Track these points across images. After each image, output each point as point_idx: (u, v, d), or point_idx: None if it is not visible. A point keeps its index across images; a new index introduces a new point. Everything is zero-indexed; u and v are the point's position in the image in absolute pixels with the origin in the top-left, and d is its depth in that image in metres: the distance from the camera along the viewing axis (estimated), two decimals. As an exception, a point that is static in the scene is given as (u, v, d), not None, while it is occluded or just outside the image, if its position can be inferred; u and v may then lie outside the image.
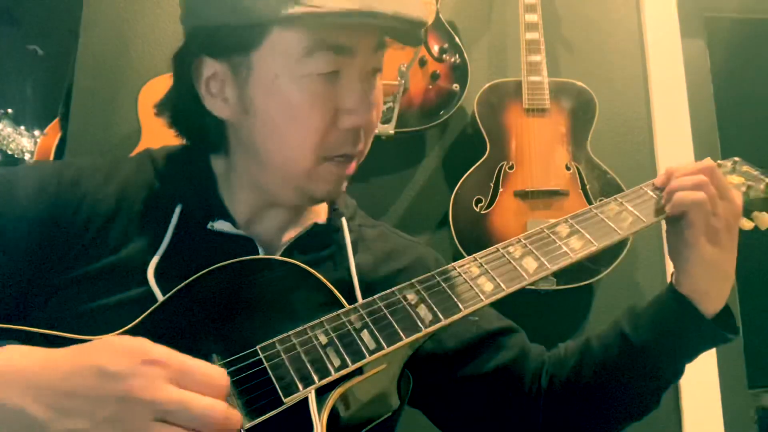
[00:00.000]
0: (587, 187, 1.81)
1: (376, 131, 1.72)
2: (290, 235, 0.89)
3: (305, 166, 0.80)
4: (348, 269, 0.89)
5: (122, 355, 0.56)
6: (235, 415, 0.59)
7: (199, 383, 0.57)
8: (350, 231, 0.94)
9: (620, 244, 1.78)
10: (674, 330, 0.86)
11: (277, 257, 0.82)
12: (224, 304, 0.73)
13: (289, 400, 0.65)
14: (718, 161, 0.99)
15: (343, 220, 0.94)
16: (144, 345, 0.58)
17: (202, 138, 0.88)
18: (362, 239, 0.96)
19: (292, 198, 0.85)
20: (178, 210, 0.84)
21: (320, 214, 0.95)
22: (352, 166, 0.85)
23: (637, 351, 0.87)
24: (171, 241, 0.81)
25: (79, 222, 0.79)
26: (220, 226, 0.84)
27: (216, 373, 0.59)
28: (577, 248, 0.82)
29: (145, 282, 0.77)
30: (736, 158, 1.01)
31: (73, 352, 0.58)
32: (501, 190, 1.80)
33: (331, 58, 0.77)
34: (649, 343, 0.87)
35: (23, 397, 0.54)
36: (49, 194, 0.79)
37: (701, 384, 1.94)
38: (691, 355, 0.88)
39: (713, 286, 0.85)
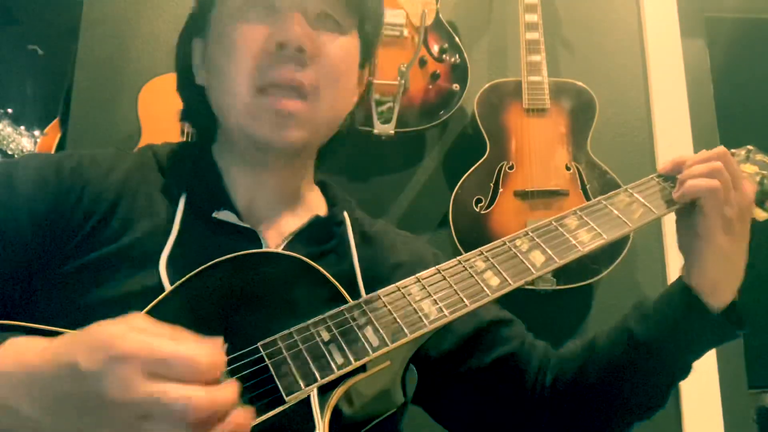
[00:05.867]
0: (587, 187, 1.81)
1: (376, 131, 1.77)
2: (293, 227, 0.89)
3: (243, 99, 0.82)
4: (351, 263, 0.88)
5: (93, 350, 0.52)
6: (224, 395, 0.52)
7: (176, 370, 0.51)
8: (352, 224, 0.94)
9: (620, 244, 1.78)
10: (681, 325, 0.84)
11: (280, 251, 0.82)
12: (226, 299, 0.72)
13: (291, 399, 0.64)
14: (732, 150, 0.97)
15: (345, 213, 0.94)
16: (113, 338, 0.52)
17: (206, 125, 0.93)
18: (364, 233, 0.96)
19: (240, 141, 0.86)
20: (183, 200, 0.84)
21: (320, 207, 0.95)
22: (295, 104, 0.82)
23: (642, 347, 0.85)
24: (179, 231, 0.80)
25: (81, 212, 0.78)
26: (224, 216, 0.84)
27: (195, 354, 0.52)
28: (585, 241, 0.81)
29: (149, 272, 0.76)
30: (750, 147, 1.00)
31: (57, 348, 0.55)
32: (501, 190, 1.79)
33: None
34: (654, 339, 0.84)
35: (19, 397, 0.53)
36: (51, 184, 0.78)
37: (701, 384, 1.93)
38: (698, 351, 0.86)
39: (723, 278, 0.83)
